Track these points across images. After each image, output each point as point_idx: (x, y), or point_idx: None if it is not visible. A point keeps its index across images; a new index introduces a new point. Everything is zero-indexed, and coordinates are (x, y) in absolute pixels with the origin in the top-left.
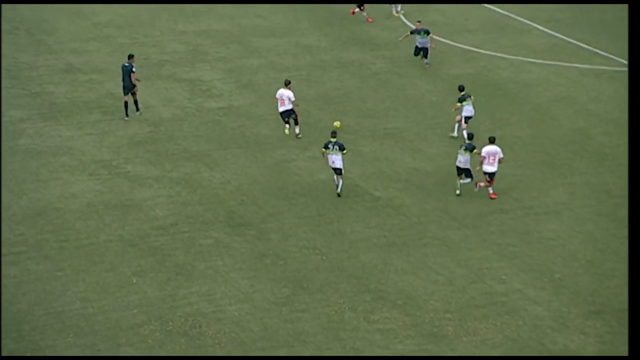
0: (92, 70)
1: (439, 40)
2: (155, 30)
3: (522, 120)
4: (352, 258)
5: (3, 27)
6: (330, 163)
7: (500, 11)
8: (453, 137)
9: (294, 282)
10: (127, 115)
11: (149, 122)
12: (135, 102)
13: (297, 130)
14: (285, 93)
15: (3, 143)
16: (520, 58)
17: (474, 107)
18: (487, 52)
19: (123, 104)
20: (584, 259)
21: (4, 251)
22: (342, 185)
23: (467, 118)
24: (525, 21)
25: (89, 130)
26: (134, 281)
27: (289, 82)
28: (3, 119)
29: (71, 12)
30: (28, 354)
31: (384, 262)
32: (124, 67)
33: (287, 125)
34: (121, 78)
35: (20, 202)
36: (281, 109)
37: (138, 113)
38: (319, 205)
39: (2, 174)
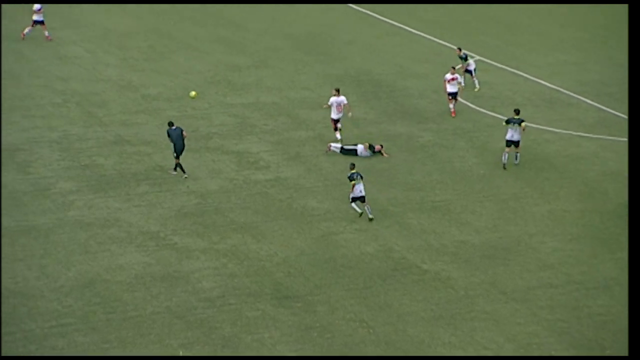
0: (140, 142)
1: (492, 115)
2: (204, 102)
3: (571, 194)
4: (400, 332)
5: (54, 100)
6: (358, 193)
7: (549, 85)
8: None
9: (341, 355)
10: (184, 172)
11: (196, 194)
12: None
13: (338, 136)
14: (339, 100)
15: (52, 214)
16: (569, 132)
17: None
18: (536, 126)
19: (177, 166)
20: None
21: (52, 323)
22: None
23: (509, 142)
24: (574, 95)
25: (137, 202)
26: (181, 353)
27: (339, 89)
28: (54, 191)
29: (120, 85)
30: None
31: (431, 336)
32: (172, 131)
33: (338, 132)
34: (172, 144)
35: (68, 273)
36: (337, 116)
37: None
38: (366, 278)
39: (51, 245)
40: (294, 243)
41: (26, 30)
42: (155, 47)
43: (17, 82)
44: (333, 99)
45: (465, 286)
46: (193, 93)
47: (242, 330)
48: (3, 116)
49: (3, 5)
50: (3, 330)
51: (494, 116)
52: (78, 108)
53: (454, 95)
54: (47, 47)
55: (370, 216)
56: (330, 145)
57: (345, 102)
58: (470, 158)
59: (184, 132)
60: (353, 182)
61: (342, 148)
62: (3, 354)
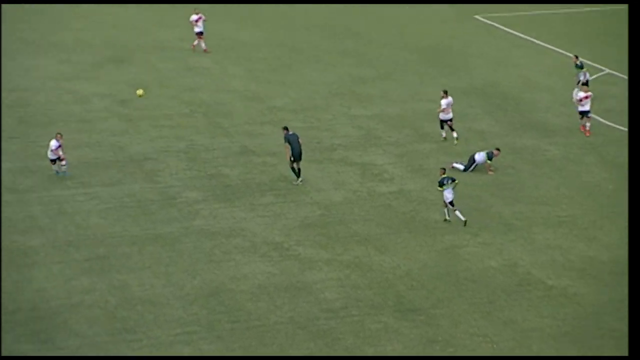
0: (265, 153)
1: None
2: (329, 114)
3: None
4: (524, 347)
5: (182, 110)
6: (445, 199)
7: None
8: None
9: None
10: (298, 176)
11: (320, 205)
12: (299, 169)
13: (455, 135)
14: (449, 101)
15: (179, 223)
16: None
17: None
18: None
19: (293, 171)
20: None
21: (177, 330)
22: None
23: None
24: None
25: (262, 212)
26: None
27: (447, 91)
28: (180, 200)
29: (246, 96)
30: None
31: (558, 352)
32: (290, 136)
33: (444, 131)
34: (291, 148)
35: (193, 282)
36: (446, 117)
37: (300, 181)
38: (490, 293)
39: (177, 253)
40: (417, 256)
41: (195, 42)
42: (282, 59)
43: (147, 93)
44: (444, 101)
45: (593, 303)
46: (140, 91)
47: (364, 342)
48: (133, 125)
49: (3, 5)
50: (130, 337)
51: (622, 130)
52: (205, 118)
53: (585, 114)
54: (177, 58)
55: (463, 219)
56: (453, 164)
57: (452, 102)
58: (599, 173)
59: (299, 139)
60: (443, 187)
61: (464, 169)
62: (4, 354)
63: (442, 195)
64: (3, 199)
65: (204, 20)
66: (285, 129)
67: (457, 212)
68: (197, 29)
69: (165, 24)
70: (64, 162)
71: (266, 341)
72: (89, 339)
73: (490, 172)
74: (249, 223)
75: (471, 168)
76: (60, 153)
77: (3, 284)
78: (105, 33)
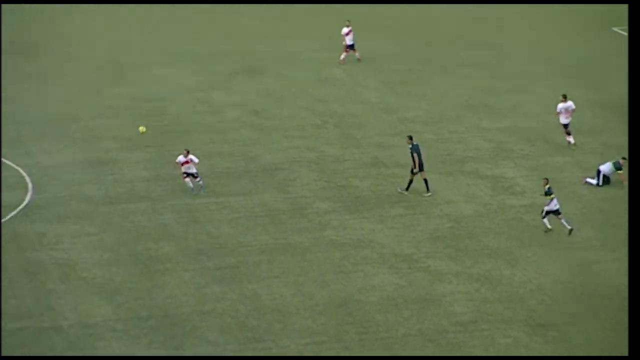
0: (395, 165)
1: None
2: (460, 126)
3: None
4: None
5: (313, 121)
6: (553, 206)
7: None
8: None
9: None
10: (428, 190)
11: (449, 218)
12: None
13: (570, 140)
14: (567, 105)
15: (309, 233)
16: None
17: None
18: None
19: (411, 183)
20: None
21: (306, 340)
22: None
23: None
24: None
25: (391, 224)
26: None
27: (566, 95)
28: (310, 210)
29: (378, 108)
30: None
31: None
32: (416, 146)
33: (571, 137)
34: (419, 159)
35: (322, 292)
36: (566, 121)
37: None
38: (625, 311)
39: (307, 264)
40: (549, 270)
41: (343, 56)
42: (414, 71)
43: (280, 103)
44: (561, 105)
45: None
46: (142, 129)
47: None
48: (264, 136)
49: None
50: (260, 346)
51: None
52: (336, 129)
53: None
54: (310, 69)
55: (569, 227)
56: (586, 179)
57: (573, 107)
58: None
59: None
60: (552, 195)
61: (597, 184)
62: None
63: (545, 205)
64: (137, 206)
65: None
66: (410, 138)
67: (563, 221)
68: (347, 42)
69: (299, 35)
70: (198, 179)
71: (395, 353)
72: (220, 347)
73: (626, 183)
74: (378, 234)
75: (602, 182)
76: (191, 169)
77: (137, 289)
78: (240, 43)
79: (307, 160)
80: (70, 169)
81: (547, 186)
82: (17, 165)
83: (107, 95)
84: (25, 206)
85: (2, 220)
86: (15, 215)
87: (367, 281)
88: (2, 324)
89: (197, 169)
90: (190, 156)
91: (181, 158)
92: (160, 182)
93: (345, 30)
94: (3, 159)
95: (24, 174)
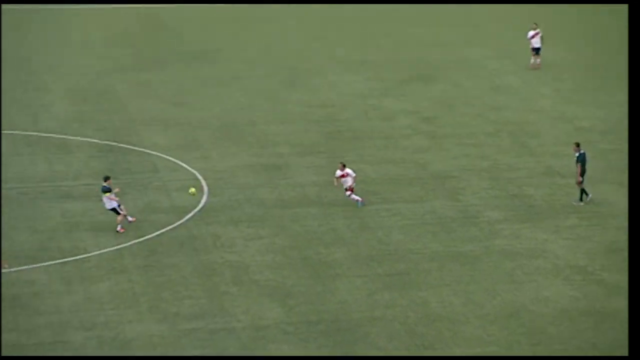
0: (571, 174)
1: None
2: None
3: None
4: None
5: (487, 129)
6: None
7: None
8: None
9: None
10: (580, 200)
11: (627, 230)
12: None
13: None
14: None
15: (479, 242)
16: None
17: None
18: None
19: (583, 192)
20: None
21: (476, 350)
22: None
23: None
24: None
25: (565, 235)
26: None
27: None
28: (481, 219)
29: (553, 117)
30: None
31: None
32: (583, 154)
33: None
34: (582, 168)
35: (493, 301)
36: None
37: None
38: None
39: (478, 272)
40: None
41: (532, 61)
42: (589, 79)
43: (452, 111)
44: None
45: None
46: (192, 190)
47: None
48: (436, 143)
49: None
50: (428, 354)
51: None
52: (510, 137)
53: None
54: (483, 76)
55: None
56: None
57: None
58: None
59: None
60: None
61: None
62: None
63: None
64: (309, 211)
65: (541, 37)
66: (577, 145)
67: None
68: (534, 45)
69: (472, 41)
70: (347, 193)
71: None
72: (389, 353)
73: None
74: (552, 245)
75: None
76: (347, 183)
77: (308, 293)
78: (412, 50)
79: (478, 169)
80: (244, 172)
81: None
82: (193, 168)
83: (281, 101)
84: (201, 209)
85: (180, 222)
86: (191, 217)
87: (540, 292)
88: (178, 324)
89: (353, 182)
90: (347, 170)
91: (338, 172)
92: (332, 188)
93: (530, 33)
94: (180, 162)
95: (199, 177)
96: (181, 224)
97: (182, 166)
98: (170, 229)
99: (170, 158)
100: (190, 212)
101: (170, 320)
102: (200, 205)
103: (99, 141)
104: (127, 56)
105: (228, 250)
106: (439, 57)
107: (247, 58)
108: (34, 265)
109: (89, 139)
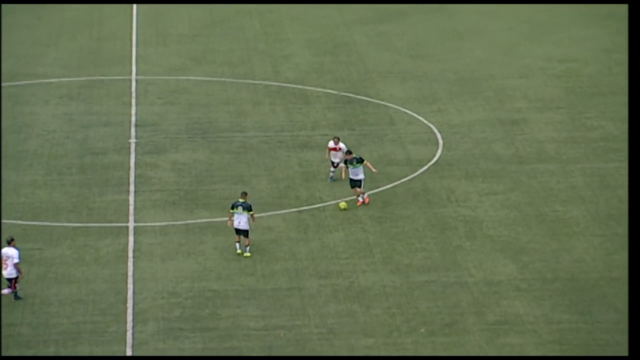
0: None
1: None
2: None
3: None
4: None
5: None
6: None
7: None
8: None
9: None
10: None
11: None
12: None
13: None
14: None
15: None
16: None
17: None
18: None
19: None
20: None
21: None
22: None
23: None
24: None
25: None
26: None
27: None
28: None
29: None
30: None
31: None
32: None
33: None
34: None
35: None
36: None
37: None
38: None
39: None
40: None
41: None
42: None
43: None
44: None
45: None
46: (343, 204)
47: None
48: None
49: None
50: None
51: None
52: None
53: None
54: None
55: None
56: None
57: None
58: None
59: None
60: None
61: None
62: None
63: None
64: (546, 167)
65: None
66: None
67: None
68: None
69: None
70: (332, 169)
71: None
72: (624, 315)
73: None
74: None
75: None
76: (336, 157)
77: (543, 251)
78: None
79: None
80: (481, 127)
81: None
82: (429, 121)
83: (521, 55)
84: (435, 162)
85: (414, 174)
86: (425, 170)
87: None
88: (410, 276)
89: (341, 159)
90: (341, 144)
91: (331, 144)
92: (572, 144)
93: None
94: (416, 115)
95: (435, 130)
96: (416, 176)
97: (418, 119)
98: (405, 181)
99: (407, 111)
100: (425, 165)
101: (403, 272)
102: (435, 159)
103: (337, 92)
104: (367, 8)
105: (462, 205)
106: None
107: (487, 10)
108: (273, 213)
109: (326, 90)
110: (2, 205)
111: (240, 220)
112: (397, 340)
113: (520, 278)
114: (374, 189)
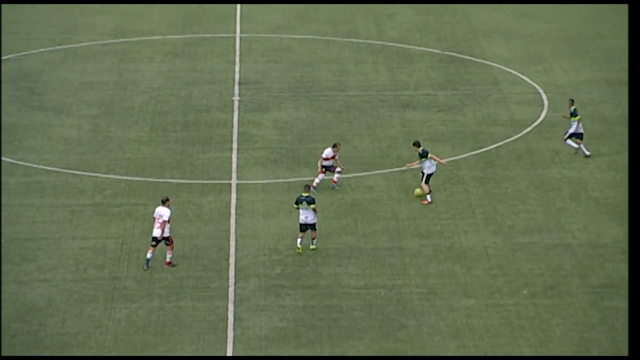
0: None
1: None
2: None
3: None
4: None
5: None
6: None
7: None
8: None
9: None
10: None
11: None
12: None
13: None
14: None
15: None
16: None
17: None
18: None
19: None
20: None
21: None
22: None
23: None
24: None
25: None
26: None
27: None
28: None
29: None
30: None
31: None
32: None
33: None
34: None
35: None
36: None
37: None
38: None
39: None
40: None
41: None
42: None
43: None
44: None
45: None
46: (418, 191)
47: None
48: None
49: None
50: None
51: None
52: None
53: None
54: None
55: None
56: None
57: None
58: None
59: None
60: (577, 117)
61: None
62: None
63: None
64: None
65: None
66: None
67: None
68: None
69: None
70: (321, 176)
71: None
72: None
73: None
74: None
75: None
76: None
77: None
78: None
79: None
80: (587, 88)
81: (573, 107)
82: (534, 82)
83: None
84: (540, 123)
85: (518, 135)
86: (529, 131)
87: None
88: (513, 237)
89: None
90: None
91: (329, 152)
92: None
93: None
94: (521, 75)
95: (540, 91)
96: (519, 137)
97: (522, 79)
98: (509, 142)
99: (511, 71)
100: (529, 126)
101: (505, 233)
102: (540, 120)
103: (440, 52)
104: None
105: (566, 166)
106: None
107: None
108: (375, 172)
109: (430, 49)
110: (109, 161)
111: (308, 215)
112: (498, 301)
113: (626, 241)
114: (477, 149)
